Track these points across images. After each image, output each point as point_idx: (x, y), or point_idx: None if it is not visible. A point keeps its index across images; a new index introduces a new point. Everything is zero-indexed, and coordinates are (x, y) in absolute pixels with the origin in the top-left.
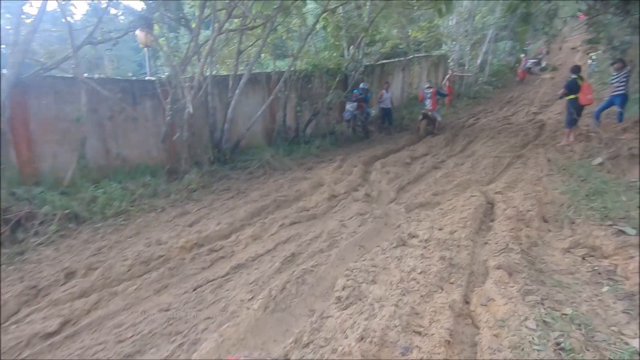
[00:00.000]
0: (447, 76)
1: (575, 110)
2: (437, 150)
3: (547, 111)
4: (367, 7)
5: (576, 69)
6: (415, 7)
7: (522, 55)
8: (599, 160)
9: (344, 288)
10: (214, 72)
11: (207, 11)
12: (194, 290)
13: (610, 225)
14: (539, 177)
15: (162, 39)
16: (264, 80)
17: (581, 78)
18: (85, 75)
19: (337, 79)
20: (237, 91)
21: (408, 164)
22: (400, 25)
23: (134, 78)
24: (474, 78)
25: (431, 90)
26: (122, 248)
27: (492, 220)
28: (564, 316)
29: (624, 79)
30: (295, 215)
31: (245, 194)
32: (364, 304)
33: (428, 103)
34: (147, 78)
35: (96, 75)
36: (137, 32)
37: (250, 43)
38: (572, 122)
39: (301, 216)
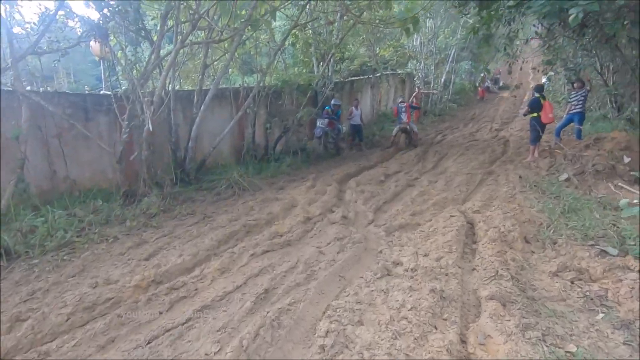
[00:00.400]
0: (415, 94)
1: (539, 127)
2: (410, 167)
3: (508, 128)
4: (337, 24)
5: (539, 88)
6: (382, 27)
7: (483, 74)
8: (565, 176)
9: (327, 333)
10: (177, 87)
11: (170, 22)
12: (148, 343)
13: (592, 245)
14: (512, 194)
15: (120, 51)
16: (232, 96)
17: (544, 97)
18: (28, 88)
19: (308, 95)
20: (202, 107)
21: (382, 182)
22: (369, 44)
23: (86, 92)
24: (439, 96)
25: (404, 104)
26: (62, 290)
27: (475, 242)
28: (568, 354)
29: (582, 98)
30: (268, 242)
31: (212, 218)
32: (352, 352)
33: (404, 117)
34: (102, 92)
35: (41, 89)
36: (92, 43)
37: (217, 57)
38: (536, 139)
39: (274, 243)
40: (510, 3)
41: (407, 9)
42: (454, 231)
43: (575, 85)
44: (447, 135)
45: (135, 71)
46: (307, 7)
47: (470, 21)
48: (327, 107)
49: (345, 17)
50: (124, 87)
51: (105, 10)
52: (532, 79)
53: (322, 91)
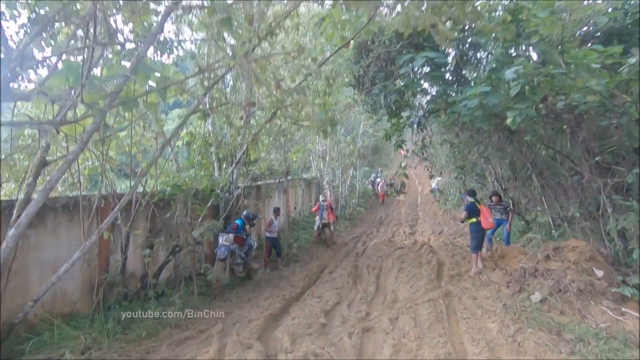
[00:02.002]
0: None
1: (480, 234)
2: (349, 293)
3: (417, 231)
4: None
5: (472, 192)
6: (296, 127)
7: (378, 179)
8: (538, 297)
9: None
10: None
11: None
12: None
13: None
14: (513, 337)
15: None
16: (88, 207)
17: (478, 201)
18: None
19: (209, 204)
20: (21, 223)
21: (325, 328)
22: (279, 145)
23: None
24: (347, 200)
25: (327, 202)
26: None
27: None
28: None
29: (502, 209)
30: None
31: None
32: None
33: (325, 214)
34: None
35: None
36: None
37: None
38: (477, 247)
39: None
40: (430, 108)
41: (325, 110)
42: None
43: (493, 199)
44: (366, 243)
45: None
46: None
47: (370, 131)
48: (238, 221)
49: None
50: None
51: None
52: (418, 183)
53: (226, 198)
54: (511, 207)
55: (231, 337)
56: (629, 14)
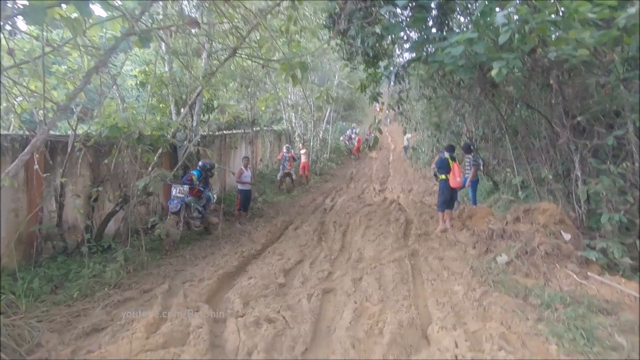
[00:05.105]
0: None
1: (447, 192)
2: (313, 251)
3: (387, 188)
4: (203, 61)
5: (450, 148)
6: (262, 68)
7: (353, 135)
8: (504, 258)
9: None
10: None
11: None
12: None
13: None
14: (479, 301)
15: None
16: (11, 148)
17: (453, 158)
18: None
19: (161, 151)
20: None
21: (283, 288)
22: (244, 92)
23: None
24: (318, 155)
25: (289, 154)
26: None
27: None
28: None
29: (470, 163)
30: None
31: None
32: None
33: (287, 164)
34: None
35: None
36: None
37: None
38: (444, 204)
39: None
40: (411, 57)
41: (294, 52)
42: None
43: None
44: (335, 199)
45: None
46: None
47: (345, 82)
48: (195, 172)
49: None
50: None
51: None
52: (391, 141)
53: (184, 146)
54: (475, 162)
55: (177, 298)
56: None
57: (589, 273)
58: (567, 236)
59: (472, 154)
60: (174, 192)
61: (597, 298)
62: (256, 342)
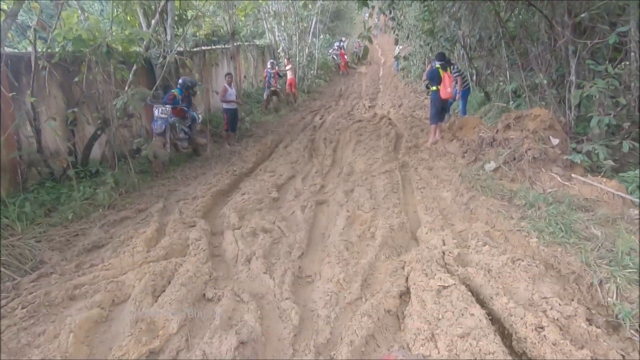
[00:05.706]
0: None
1: (438, 104)
2: (304, 167)
3: (377, 104)
4: None
5: (441, 56)
6: None
7: (339, 48)
8: (492, 165)
9: None
10: None
11: None
12: None
13: None
14: (466, 205)
15: None
16: None
17: (445, 68)
18: None
19: (135, 67)
20: None
21: (277, 202)
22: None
23: None
24: (305, 71)
25: (273, 71)
26: None
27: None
28: None
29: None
30: None
31: None
32: None
33: (273, 82)
34: None
35: None
36: None
37: None
38: (435, 116)
39: None
40: None
41: None
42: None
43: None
44: (324, 116)
45: None
46: None
47: None
48: (176, 90)
49: None
50: None
51: None
52: (381, 54)
53: (160, 63)
54: (458, 72)
55: (173, 215)
56: None
57: (572, 175)
58: (555, 141)
59: (454, 64)
60: (156, 112)
61: (577, 197)
62: (254, 249)
